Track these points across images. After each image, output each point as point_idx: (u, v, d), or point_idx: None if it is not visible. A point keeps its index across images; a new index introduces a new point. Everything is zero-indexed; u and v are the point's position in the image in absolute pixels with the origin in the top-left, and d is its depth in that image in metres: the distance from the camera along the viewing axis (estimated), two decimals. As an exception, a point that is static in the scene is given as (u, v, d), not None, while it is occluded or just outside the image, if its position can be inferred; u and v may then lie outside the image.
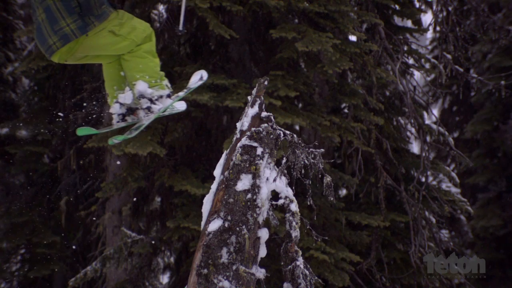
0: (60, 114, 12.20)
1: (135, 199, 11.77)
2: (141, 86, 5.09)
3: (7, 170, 14.14)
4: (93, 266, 10.88)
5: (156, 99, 5.17)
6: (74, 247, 13.56)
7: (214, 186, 4.61)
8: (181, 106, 5.63)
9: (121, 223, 11.65)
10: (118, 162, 10.79)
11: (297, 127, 11.61)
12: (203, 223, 4.52)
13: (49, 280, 13.73)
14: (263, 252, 4.51)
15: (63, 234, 13.30)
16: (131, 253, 10.80)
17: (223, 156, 4.73)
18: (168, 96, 5.25)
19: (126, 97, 5.15)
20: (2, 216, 13.32)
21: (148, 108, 5.16)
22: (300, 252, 4.67)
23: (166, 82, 5.27)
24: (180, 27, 5.75)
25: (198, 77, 5.67)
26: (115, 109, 5.24)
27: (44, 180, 13.90)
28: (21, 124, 13.20)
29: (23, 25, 14.94)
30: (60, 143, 13.63)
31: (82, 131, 5.26)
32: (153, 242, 10.76)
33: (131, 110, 5.22)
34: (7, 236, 13.23)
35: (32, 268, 13.17)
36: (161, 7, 11.63)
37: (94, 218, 12.68)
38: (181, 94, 5.44)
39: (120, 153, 10.01)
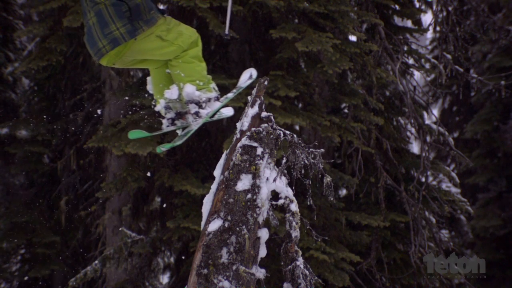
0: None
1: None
2: (189, 88, 5.17)
3: (7, 170, 14.13)
4: (93, 266, 10.88)
5: (204, 102, 5.22)
6: (74, 247, 13.55)
7: (214, 186, 4.61)
8: (229, 111, 5.68)
9: (121, 223, 11.65)
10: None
11: (297, 127, 11.60)
12: (203, 223, 4.52)
13: (49, 280, 13.72)
14: (263, 252, 4.51)
15: (63, 234, 13.29)
16: (131, 253, 10.80)
17: (223, 156, 4.73)
18: (217, 98, 5.31)
19: (173, 92, 5.24)
20: (2, 216, 13.30)
21: (196, 113, 5.23)
22: (300, 252, 4.67)
23: (213, 85, 5.34)
24: (226, 31, 5.81)
25: (248, 76, 5.69)
26: (160, 105, 5.32)
27: (44, 180, 13.89)
28: (21, 124, 13.20)
29: (23, 25, 14.93)
30: (60, 143, 13.63)
31: (133, 134, 5.42)
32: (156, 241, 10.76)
33: (180, 115, 5.31)
34: (7, 236, 13.21)
35: (32, 268, 13.15)
36: (161, 7, 11.62)
37: (94, 218, 12.68)
38: (230, 95, 5.49)
39: (120, 153, 10.01)
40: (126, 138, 10.06)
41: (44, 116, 13.19)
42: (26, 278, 13.41)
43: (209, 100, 5.26)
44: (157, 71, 5.34)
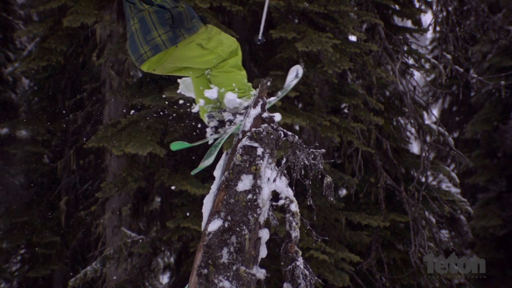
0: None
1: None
2: (230, 96, 5.20)
3: (7, 170, 14.13)
4: (93, 266, 10.88)
5: (244, 109, 5.25)
6: (74, 247, 13.54)
7: (214, 187, 4.61)
8: (276, 117, 5.62)
9: (121, 223, 11.64)
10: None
11: (297, 127, 11.60)
12: (203, 223, 4.52)
13: (49, 280, 13.72)
14: (263, 252, 4.51)
15: (63, 234, 13.29)
16: (131, 253, 10.80)
17: (223, 156, 4.74)
18: None
19: (213, 92, 5.26)
20: (2, 216, 13.30)
21: (230, 121, 5.27)
22: (300, 252, 4.66)
23: (254, 92, 5.36)
24: (260, 36, 5.82)
25: (294, 75, 5.66)
26: (200, 104, 5.36)
27: (44, 180, 13.88)
28: (21, 124, 13.19)
29: (23, 25, 14.94)
30: (60, 143, 13.63)
31: (176, 145, 5.46)
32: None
33: (222, 123, 5.35)
34: (7, 236, 13.22)
35: (32, 268, 13.16)
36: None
37: (94, 218, 12.67)
38: (272, 100, 5.48)
39: (120, 153, 10.00)
40: (126, 138, 10.06)
41: (44, 116, 13.19)
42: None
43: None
44: (198, 79, 5.39)
